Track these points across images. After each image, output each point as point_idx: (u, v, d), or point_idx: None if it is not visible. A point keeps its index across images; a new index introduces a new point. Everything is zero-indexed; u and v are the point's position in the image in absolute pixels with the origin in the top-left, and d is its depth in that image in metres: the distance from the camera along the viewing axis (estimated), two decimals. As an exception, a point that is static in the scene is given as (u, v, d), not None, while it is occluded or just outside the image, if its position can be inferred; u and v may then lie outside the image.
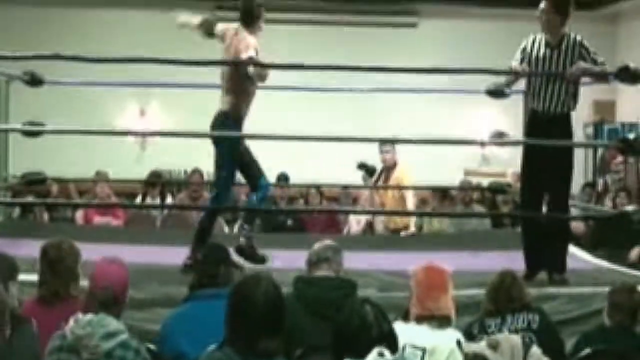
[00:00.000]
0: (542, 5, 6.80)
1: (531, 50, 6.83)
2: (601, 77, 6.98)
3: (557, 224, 6.94)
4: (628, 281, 5.85)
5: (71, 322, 4.09)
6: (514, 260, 6.81)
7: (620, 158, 11.83)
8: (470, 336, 5.00)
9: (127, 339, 4.12)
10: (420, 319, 4.48)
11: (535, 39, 6.85)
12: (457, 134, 14.05)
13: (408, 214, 11.06)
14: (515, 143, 7.38)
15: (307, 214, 11.64)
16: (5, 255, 4.90)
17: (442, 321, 4.48)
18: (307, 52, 12.75)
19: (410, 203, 10.25)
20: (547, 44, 6.78)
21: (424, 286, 4.58)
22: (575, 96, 6.81)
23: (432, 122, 13.88)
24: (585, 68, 6.63)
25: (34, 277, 5.24)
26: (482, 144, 10.58)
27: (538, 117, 6.81)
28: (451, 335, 4.49)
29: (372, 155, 12.69)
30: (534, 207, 6.89)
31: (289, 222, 11.16)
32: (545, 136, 6.69)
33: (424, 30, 15.07)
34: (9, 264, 4.77)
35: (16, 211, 11.37)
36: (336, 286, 4.71)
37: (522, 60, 6.83)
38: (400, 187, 10.26)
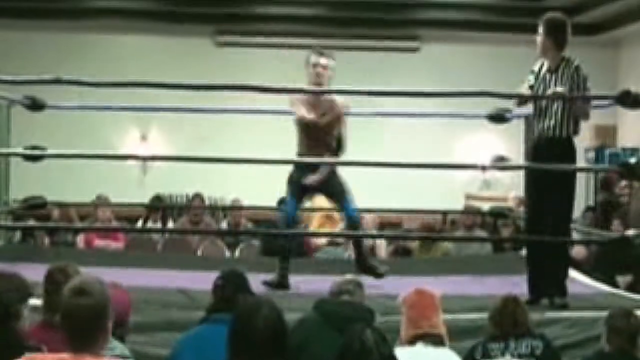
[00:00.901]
0: (539, 29, 6.84)
1: (537, 74, 6.85)
2: (579, 109, 6.91)
3: (555, 248, 6.93)
4: (627, 305, 5.83)
5: None
6: (515, 285, 6.80)
7: (624, 182, 11.82)
8: (470, 358, 5.00)
9: None
10: (413, 340, 4.50)
11: (543, 63, 6.87)
12: (458, 159, 14.08)
13: (411, 237, 11.06)
14: (516, 168, 7.40)
15: (309, 237, 11.61)
16: (17, 276, 4.81)
17: (435, 339, 4.53)
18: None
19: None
20: (548, 68, 6.80)
21: (416, 306, 4.68)
22: (576, 120, 6.79)
23: (433, 146, 13.90)
24: (563, 93, 6.62)
25: (33, 302, 5.22)
26: (484, 168, 10.59)
27: (540, 140, 6.81)
28: (451, 355, 4.53)
29: (373, 179, 12.72)
30: (538, 231, 6.86)
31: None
32: (545, 159, 6.69)
33: (426, 54, 15.12)
34: (20, 284, 4.65)
35: (17, 235, 11.37)
36: (357, 308, 4.74)
37: (534, 81, 6.85)
38: (394, 211, 10.25)
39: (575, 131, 6.81)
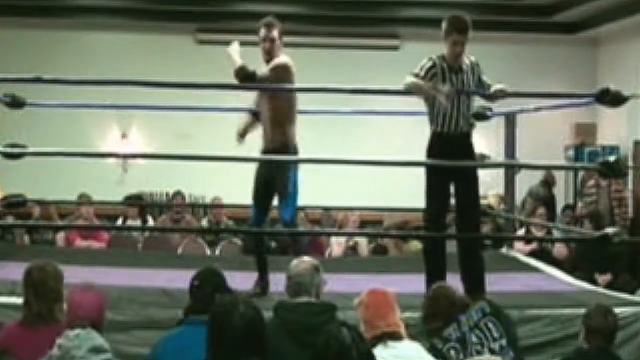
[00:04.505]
0: (460, 36, 6.89)
1: (440, 73, 6.85)
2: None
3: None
4: (606, 303, 5.83)
5: (58, 341, 4.09)
6: (494, 283, 6.82)
7: (592, 181, 11.89)
8: (437, 352, 4.96)
9: (112, 358, 4.13)
10: (372, 342, 4.49)
11: (437, 62, 6.87)
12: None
13: (391, 236, 11.08)
14: (496, 165, 7.41)
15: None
16: None
17: (392, 336, 4.55)
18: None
19: None
20: (450, 67, 6.83)
21: (371, 307, 4.70)
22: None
23: (414, 144, 13.86)
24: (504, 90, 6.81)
25: (13, 300, 5.22)
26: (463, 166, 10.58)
27: (443, 138, 6.84)
28: (417, 347, 4.58)
29: (354, 176, 12.75)
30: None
31: (272, 244, 11.13)
32: (452, 156, 6.77)
33: (406, 53, 15.11)
34: None
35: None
36: (317, 312, 4.70)
37: (422, 78, 6.81)
38: (375, 208, 10.21)
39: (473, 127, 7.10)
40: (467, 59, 6.90)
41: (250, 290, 6.87)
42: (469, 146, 6.95)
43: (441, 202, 6.88)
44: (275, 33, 7.02)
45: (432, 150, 6.88)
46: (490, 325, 4.94)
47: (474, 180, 6.94)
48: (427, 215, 6.96)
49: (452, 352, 4.84)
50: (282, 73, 6.74)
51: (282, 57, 6.88)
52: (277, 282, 5.68)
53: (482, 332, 4.86)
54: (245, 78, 6.64)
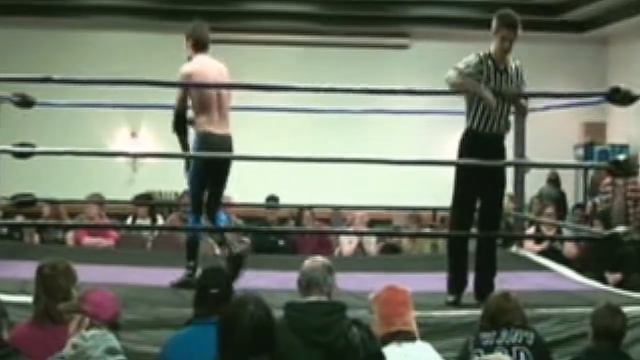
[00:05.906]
0: (510, 32, 6.83)
1: (484, 70, 6.83)
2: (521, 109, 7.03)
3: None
4: (615, 302, 5.80)
5: (70, 341, 4.08)
6: (503, 282, 6.81)
7: (608, 179, 11.86)
8: (466, 353, 4.97)
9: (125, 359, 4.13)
10: (386, 338, 4.48)
11: (483, 59, 6.85)
12: (448, 156, 14.10)
13: (401, 235, 11.08)
14: (507, 164, 7.38)
15: (299, 235, 11.62)
16: None
17: (408, 337, 4.54)
18: (298, 74, 12.77)
19: None
20: (496, 67, 6.80)
21: (389, 304, 4.69)
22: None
23: (423, 143, 13.91)
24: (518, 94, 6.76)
25: (23, 299, 5.22)
26: (473, 165, 10.57)
27: (476, 136, 6.82)
28: (427, 348, 4.58)
29: (364, 175, 12.72)
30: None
31: (281, 242, 11.14)
32: (483, 156, 6.77)
33: (415, 52, 15.12)
34: None
35: (4, 232, 11.34)
36: (327, 312, 4.64)
37: (469, 75, 6.76)
38: (385, 207, 10.18)
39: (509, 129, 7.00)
40: (512, 62, 6.85)
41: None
42: (502, 148, 6.92)
43: (466, 200, 6.91)
44: (184, 42, 7.39)
45: (464, 148, 6.91)
46: (522, 355, 4.92)
47: (500, 183, 7.01)
48: (452, 213, 7.00)
49: (476, 358, 4.83)
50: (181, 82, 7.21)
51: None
52: (288, 281, 5.68)
53: (511, 355, 4.80)
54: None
